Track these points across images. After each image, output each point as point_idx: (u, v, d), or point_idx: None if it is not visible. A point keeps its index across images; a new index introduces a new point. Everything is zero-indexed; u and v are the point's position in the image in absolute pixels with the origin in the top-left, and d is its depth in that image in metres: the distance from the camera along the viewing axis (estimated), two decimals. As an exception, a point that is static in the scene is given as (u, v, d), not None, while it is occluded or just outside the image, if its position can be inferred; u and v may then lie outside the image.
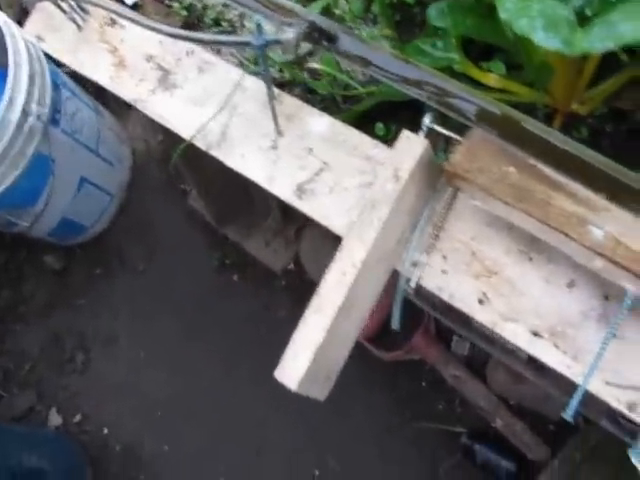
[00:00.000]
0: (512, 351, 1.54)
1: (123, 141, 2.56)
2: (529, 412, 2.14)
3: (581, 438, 2.02)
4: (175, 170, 2.34)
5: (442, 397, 2.23)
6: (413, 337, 2.21)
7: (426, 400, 2.23)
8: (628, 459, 1.95)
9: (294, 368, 1.07)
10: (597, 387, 1.09)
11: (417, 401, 2.23)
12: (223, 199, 2.19)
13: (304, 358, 1.07)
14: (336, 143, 1.32)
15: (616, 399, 1.08)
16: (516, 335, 1.14)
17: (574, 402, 1.03)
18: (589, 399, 1.07)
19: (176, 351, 2.41)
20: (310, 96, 1.52)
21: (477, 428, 2.16)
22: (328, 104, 1.50)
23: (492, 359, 2.02)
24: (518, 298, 1.16)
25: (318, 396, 1.14)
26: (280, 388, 2.36)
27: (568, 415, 1.02)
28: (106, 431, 2.43)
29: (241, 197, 2.20)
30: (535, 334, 1.13)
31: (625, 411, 1.07)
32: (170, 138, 1.47)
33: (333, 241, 1.20)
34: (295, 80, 1.52)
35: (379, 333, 2.27)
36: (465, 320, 1.59)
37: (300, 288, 2.37)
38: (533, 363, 1.56)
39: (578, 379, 1.10)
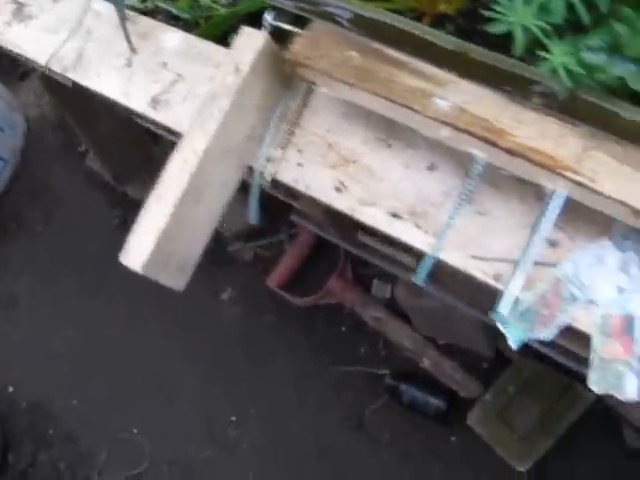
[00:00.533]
0: (400, 262, 1.50)
1: (14, 108, 2.52)
2: (460, 351, 2.10)
3: (514, 371, 1.99)
4: (70, 132, 2.29)
5: (364, 340, 2.19)
6: (328, 281, 2.16)
7: (347, 344, 2.19)
8: (562, 390, 1.92)
9: (138, 252, 1.07)
10: (464, 262, 1.06)
11: (337, 345, 2.19)
12: (121, 157, 2.15)
13: (147, 242, 1.07)
14: (191, 56, 1.32)
15: (482, 272, 1.05)
16: (375, 219, 1.11)
17: (424, 268, 0.98)
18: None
19: (79, 309, 2.37)
20: (174, 22, 1.48)
21: (403, 369, 2.12)
22: (191, 28, 1.46)
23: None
24: (377, 184, 1.13)
25: (173, 285, 1.15)
26: (193, 340, 2.32)
27: (418, 279, 0.97)
28: (11, 389, 2.39)
29: (139, 154, 2.15)
30: (395, 215, 1.10)
31: (492, 282, 1.03)
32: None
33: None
34: (158, 8, 1.49)
35: (292, 280, 2.23)
36: (349, 233, 1.55)
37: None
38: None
39: (439, 254, 1.06)
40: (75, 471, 2.37)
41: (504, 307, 0.93)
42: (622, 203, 0.90)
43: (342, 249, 2.03)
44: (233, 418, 2.24)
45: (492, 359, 2.02)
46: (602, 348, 0.97)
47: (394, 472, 2.09)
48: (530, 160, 0.95)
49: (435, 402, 2.02)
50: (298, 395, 2.19)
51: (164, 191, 1.10)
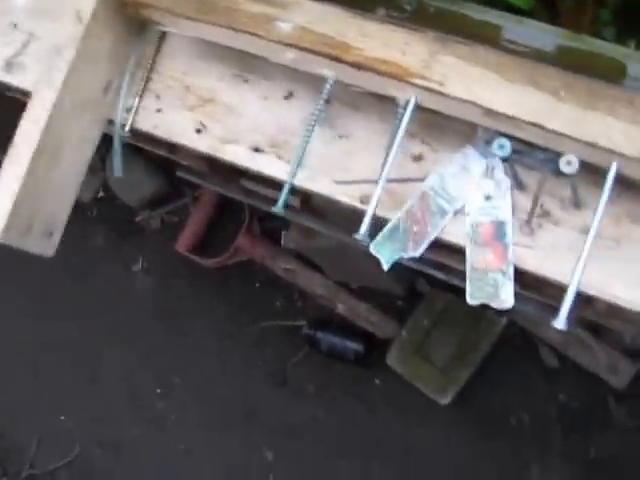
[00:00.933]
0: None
1: None
2: (373, 292, 2.08)
3: (427, 305, 1.97)
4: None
5: (279, 294, 2.16)
6: (236, 239, 2.12)
7: (262, 300, 2.16)
8: (475, 318, 1.92)
9: (-5, 219, 0.99)
10: (328, 188, 1.03)
11: (253, 303, 2.16)
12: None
13: (3, 207, 1.01)
14: (40, 12, 1.24)
15: (348, 196, 1.02)
16: (237, 155, 1.07)
17: (282, 196, 0.94)
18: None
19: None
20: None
21: (319, 317, 2.09)
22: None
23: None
24: (236, 120, 1.09)
25: (42, 251, 1.10)
26: (109, 316, 2.26)
27: (277, 208, 0.93)
28: None
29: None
30: (256, 150, 1.06)
31: (358, 205, 1.00)
32: None
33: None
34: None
35: (201, 242, 2.18)
36: (233, 181, 1.50)
37: (113, 213, 2.27)
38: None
39: (302, 182, 1.02)
40: (5, 467, 2.31)
41: (364, 227, 0.89)
42: (473, 104, 0.87)
43: (246, 205, 1.98)
44: (158, 390, 2.19)
45: (405, 296, 2.01)
46: (475, 258, 0.94)
47: (322, 423, 2.07)
48: (377, 72, 0.92)
49: (353, 346, 2.00)
50: (220, 358, 2.16)
51: (16, 152, 1.04)
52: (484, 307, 1.83)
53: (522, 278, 1.00)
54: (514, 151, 0.81)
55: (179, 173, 1.69)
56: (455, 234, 0.97)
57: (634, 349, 1.93)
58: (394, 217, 0.99)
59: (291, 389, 2.12)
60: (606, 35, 1.08)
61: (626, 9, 1.08)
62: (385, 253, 0.98)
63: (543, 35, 0.90)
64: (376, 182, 0.96)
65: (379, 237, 0.99)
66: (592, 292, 0.92)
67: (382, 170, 0.93)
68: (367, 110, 1.03)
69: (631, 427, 1.93)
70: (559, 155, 0.80)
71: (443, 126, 0.99)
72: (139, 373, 2.22)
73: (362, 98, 1.02)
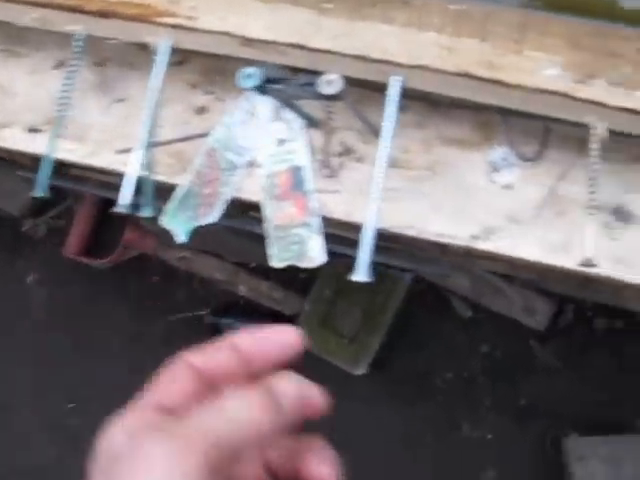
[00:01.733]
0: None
1: None
2: (274, 269, 1.94)
3: (327, 274, 1.85)
4: None
5: (179, 285, 2.02)
6: (124, 234, 1.98)
7: (163, 294, 2.02)
8: (378, 280, 1.80)
9: None
10: (109, 160, 0.90)
11: (154, 298, 2.02)
12: None
13: None
14: None
15: (131, 166, 0.88)
16: (14, 139, 0.92)
17: (42, 177, 0.81)
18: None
19: None
20: None
21: (223, 303, 1.96)
22: None
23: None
24: (11, 100, 0.94)
25: None
26: (11, 336, 2.12)
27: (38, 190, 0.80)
28: None
29: None
30: (33, 130, 0.92)
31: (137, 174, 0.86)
32: None
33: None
34: None
35: (88, 244, 2.04)
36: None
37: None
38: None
39: (86, 159, 0.89)
40: None
41: (125, 198, 0.76)
42: (228, 34, 0.74)
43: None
44: (71, 405, 2.05)
45: (307, 268, 1.88)
46: (275, 214, 0.81)
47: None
48: (124, 17, 0.78)
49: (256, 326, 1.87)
50: (129, 361, 2.02)
51: None
52: (385, 267, 1.74)
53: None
54: (272, 80, 0.67)
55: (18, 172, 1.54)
56: (252, 190, 0.85)
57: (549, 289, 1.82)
58: (181, 181, 0.85)
59: (206, 382, 1.98)
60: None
61: None
62: (179, 225, 0.85)
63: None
64: (157, 145, 0.82)
65: (169, 207, 0.86)
66: (411, 232, 0.79)
67: (144, 131, 0.79)
68: (141, 67, 0.89)
69: (557, 367, 1.83)
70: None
71: (226, 70, 0.86)
72: (51, 390, 2.08)
73: (134, 53, 0.89)
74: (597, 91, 0.63)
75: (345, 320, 1.81)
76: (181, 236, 0.86)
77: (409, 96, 0.74)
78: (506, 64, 0.66)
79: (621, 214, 0.74)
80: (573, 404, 1.83)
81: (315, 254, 0.80)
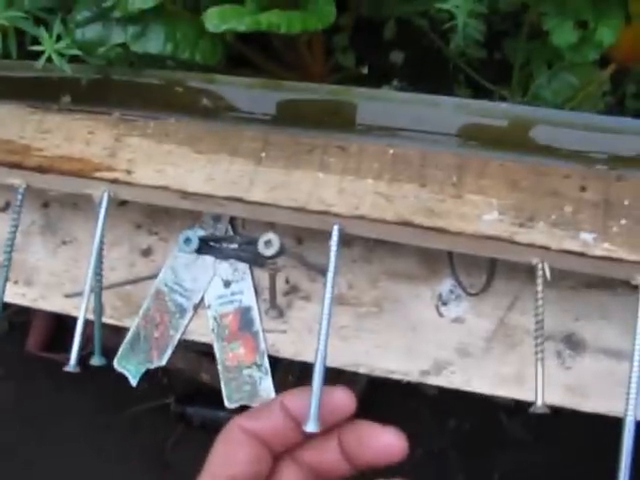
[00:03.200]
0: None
1: None
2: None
3: (289, 361, 1.83)
4: None
5: (144, 375, 1.98)
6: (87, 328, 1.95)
7: (127, 385, 1.98)
8: (337, 373, 1.79)
9: None
10: (61, 305, 0.90)
11: (119, 389, 1.97)
12: None
13: None
14: None
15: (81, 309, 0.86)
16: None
17: None
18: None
19: None
20: None
21: (186, 391, 1.94)
22: None
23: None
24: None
25: None
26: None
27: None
28: None
29: None
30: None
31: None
32: None
33: None
34: None
35: (51, 338, 2.02)
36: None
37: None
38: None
39: (37, 304, 0.88)
40: None
41: (72, 356, 0.74)
42: (166, 188, 0.74)
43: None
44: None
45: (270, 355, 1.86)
46: (225, 356, 0.80)
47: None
48: (62, 172, 0.77)
49: (223, 414, 1.85)
50: (96, 454, 1.99)
51: None
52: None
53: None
54: (212, 239, 0.67)
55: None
56: (201, 332, 0.84)
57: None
58: (132, 325, 0.84)
59: (175, 472, 1.96)
60: (346, 62, 0.96)
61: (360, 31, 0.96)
62: (131, 368, 0.84)
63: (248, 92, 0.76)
64: (105, 289, 0.81)
65: (121, 350, 0.85)
66: (362, 370, 0.79)
67: (90, 277, 0.78)
68: (85, 207, 0.89)
69: (528, 440, 1.82)
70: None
71: (169, 210, 0.85)
72: (16, 486, 2.03)
73: (77, 195, 0.88)
74: (537, 234, 0.63)
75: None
76: (133, 380, 0.84)
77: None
78: (446, 211, 0.66)
79: (572, 342, 0.74)
80: (548, 474, 1.82)
81: (266, 394, 0.79)
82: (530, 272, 0.70)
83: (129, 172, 0.75)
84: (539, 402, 0.64)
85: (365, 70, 0.88)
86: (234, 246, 0.68)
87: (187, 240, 0.66)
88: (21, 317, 2.12)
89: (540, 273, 0.66)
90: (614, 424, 1.63)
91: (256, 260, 0.66)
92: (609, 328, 0.74)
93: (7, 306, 1.95)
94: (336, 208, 0.68)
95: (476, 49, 0.92)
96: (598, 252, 0.63)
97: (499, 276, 0.77)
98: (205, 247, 0.68)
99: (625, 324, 0.67)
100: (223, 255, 0.67)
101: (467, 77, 0.95)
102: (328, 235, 0.66)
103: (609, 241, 0.63)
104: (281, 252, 0.66)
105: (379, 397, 1.84)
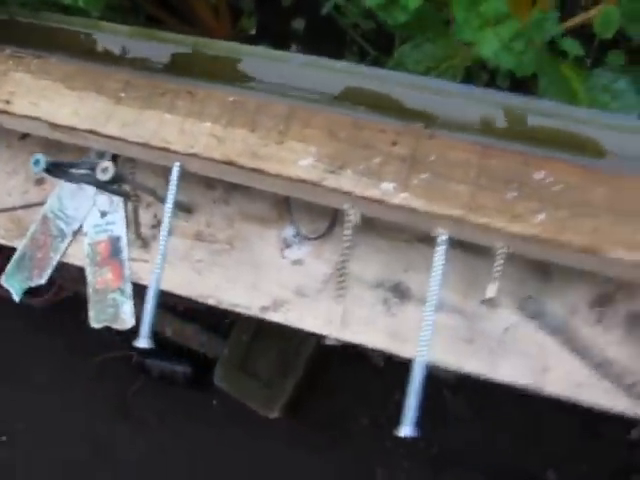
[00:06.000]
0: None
1: None
2: (202, 313, 2.02)
3: (245, 319, 1.91)
4: None
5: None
6: (58, 277, 2.05)
7: (95, 333, 2.07)
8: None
9: None
10: None
11: (87, 337, 2.08)
12: None
13: None
14: None
15: None
16: None
17: None
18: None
19: None
20: None
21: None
22: None
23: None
24: None
25: None
26: None
27: None
28: None
29: None
30: None
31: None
32: None
33: None
34: None
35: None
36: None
37: None
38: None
39: None
40: None
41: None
42: (38, 119, 0.82)
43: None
44: (4, 438, 2.11)
45: (231, 314, 1.94)
46: (95, 279, 0.89)
47: (169, 453, 2.01)
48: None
49: (180, 369, 1.94)
50: (62, 396, 2.10)
51: None
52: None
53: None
54: (60, 165, 0.75)
55: None
56: (77, 256, 0.92)
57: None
58: (19, 245, 0.93)
59: (135, 420, 2.06)
60: (249, 26, 1.03)
61: None
62: (15, 284, 0.93)
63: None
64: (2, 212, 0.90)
65: (8, 268, 0.93)
66: (211, 302, 0.86)
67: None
68: (-9, 137, 0.97)
69: (469, 418, 1.87)
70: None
71: (62, 145, 0.94)
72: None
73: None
74: (344, 180, 0.70)
75: (261, 364, 1.87)
76: (16, 296, 0.93)
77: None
78: (268, 154, 0.73)
79: (399, 291, 0.81)
80: (485, 453, 1.87)
81: (126, 317, 0.86)
82: (367, 222, 0.77)
83: (8, 102, 0.83)
84: (332, 336, 0.70)
85: (254, 31, 0.95)
86: (82, 172, 0.76)
87: (36, 162, 0.74)
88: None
89: (348, 218, 0.73)
90: (553, 406, 1.69)
91: (97, 184, 0.73)
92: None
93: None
94: (174, 146, 0.76)
95: (365, 21, 0.98)
96: (396, 201, 0.69)
97: (340, 224, 0.83)
98: (56, 170, 0.75)
99: (447, 277, 0.73)
100: (69, 178, 0.75)
101: (360, 46, 1.02)
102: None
103: (408, 192, 0.69)
104: (116, 180, 0.73)
105: (329, 365, 1.91)
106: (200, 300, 0.85)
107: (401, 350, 0.79)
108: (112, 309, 0.88)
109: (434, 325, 0.73)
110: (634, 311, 0.72)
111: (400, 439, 1.86)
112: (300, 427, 1.94)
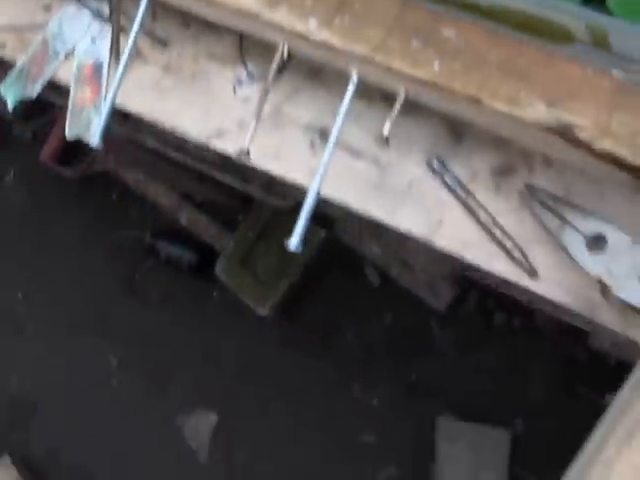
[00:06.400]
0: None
1: None
2: (217, 208, 2.13)
3: (254, 217, 2.01)
4: None
5: (134, 205, 2.22)
6: (92, 149, 2.18)
7: (118, 211, 2.22)
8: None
9: None
10: None
11: (110, 212, 2.22)
12: None
13: None
14: None
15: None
16: None
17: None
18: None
19: None
20: None
21: (164, 228, 2.15)
22: None
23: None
24: None
25: None
26: None
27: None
28: None
29: None
30: None
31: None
32: None
33: None
34: None
35: (63, 153, 2.25)
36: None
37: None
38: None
39: None
40: None
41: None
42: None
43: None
44: (19, 295, 2.27)
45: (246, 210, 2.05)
46: (76, 96, 0.99)
47: (165, 333, 2.13)
48: None
49: (187, 255, 2.05)
50: (78, 265, 2.23)
51: None
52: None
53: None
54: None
55: None
56: (65, 75, 1.02)
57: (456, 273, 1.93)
58: (21, 60, 1.04)
59: (139, 297, 2.18)
60: None
61: None
62: (11, 94, 1.04)
63: None
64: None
65: (7, 79, 1.04)
66: (167, 126, 0.95)
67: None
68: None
69: (452, 354, 1.94)
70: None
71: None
72: (3, 279, 2.29)
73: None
74: (278, 15, 0.78)
75: (261, 263, 1.97)
76: (10, 104, 1.04)
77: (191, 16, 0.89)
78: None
79: (325, 135, 0.88)
80: (459, 389, 1.93)
81: (94, 133, 0.94)
82: (314, 71, 0.84)
83: None
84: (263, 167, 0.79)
85: None
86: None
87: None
88: (45, 130, 2.36)
89: (279, 52, 0.81)
90: (538, 359, 1.74)
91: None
92: (357, 129, 0.87)
93: (35, 117, 2.20)
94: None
95: None
96: (318, 37, 0.77)
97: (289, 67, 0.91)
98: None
99: (370, 128, 0.80)
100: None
101: None
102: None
103: (329, 30, 0.77)
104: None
105: (328, 273, 1.99)
106: (159, 125, 0.93)
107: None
108: (85, 122, 0.97)
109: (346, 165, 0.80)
110: (530, 185, 0.78)
111: (385, 360, 1.93)
112: (289, 330, 2.03)
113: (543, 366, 1.89)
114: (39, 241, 2.32)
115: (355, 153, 0.87)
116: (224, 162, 1.47)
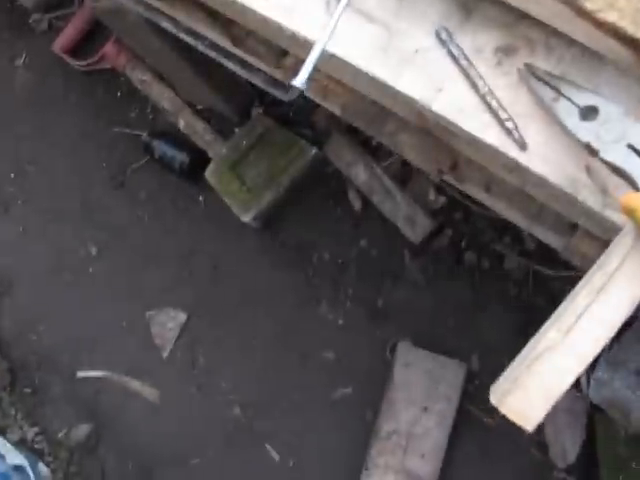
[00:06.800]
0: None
1: None
2: (216, 116, 2.18)
3: (249, 127, 2.07)
4: None
5: (136, 105, 2.27)
6: (105, 45, 2.23)
7: (120, 108, 2.28)
8: (288, 145, 2.00)
9: None
10: None
11: (112, 109, 2.28)
12: None
13: None
14: None
15: None
16: None
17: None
18: None
19: None
20: None
21: (162, 129, 2.20)
22: None
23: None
24: None
25: None
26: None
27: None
28: None
29: None
30: None
31: None
32: None
33: None
34: None
35: (77, 46, 2.30)
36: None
37: (9, 10, 2.43)
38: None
39: None
40: None
41: None
42: None
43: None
44: (12, 175, 2.31)
45: (241, 122, 2.11)
46: None
47: (146, 228, 2.19)
48: None
49: (180, 156, 2.11)
50: (72, 154, 2.29)
51: None
52: (299, 135, 1.95)
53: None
54: None
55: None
56: None
57: (435, 208, 2.01)
58: None
59: (126, 192, 2.24)
60: None
61: None
62: None
63: None
64: None
65: None
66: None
67: None
68: None
69: (420, 284, 2.01)
70: None
71: None
72: (-1, 155, 2.34)
73: None
74: None
75: (251, 171, 2.03)
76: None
77: None
78: None
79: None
80: (422, 319, 2.01)
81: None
82: None
83: None
84: None
85: None
86: None
87: None
88: (62, 22, 2.41)
89: None
90: (500, 299, 1.80)
91: None
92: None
93: (54, 9, 2.23)
94: None
95: None
96: None
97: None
98: None
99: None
100: None
101: None
102: None
103: None
104: None
105: (314, 192, 2.06)
106: None
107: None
108: None
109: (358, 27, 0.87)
110: (529, 63, 0.85)
111: (351, 281, 2.00)
112: (267, 242, 2.10)
113: (505, 308, 1.97)
114: (39, 126, 2.37)
115: (368, 17, 0.92)
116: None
